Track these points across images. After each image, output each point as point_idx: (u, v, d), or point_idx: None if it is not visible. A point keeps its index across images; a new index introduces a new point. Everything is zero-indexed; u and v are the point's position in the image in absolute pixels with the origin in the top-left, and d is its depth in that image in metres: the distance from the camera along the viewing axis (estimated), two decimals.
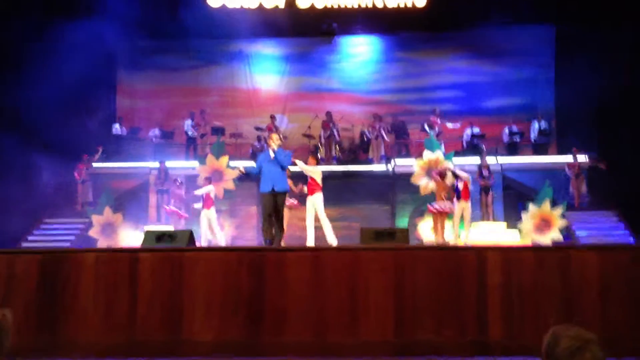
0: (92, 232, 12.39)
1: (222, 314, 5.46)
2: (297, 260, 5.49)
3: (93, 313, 5.60)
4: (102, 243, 12.22)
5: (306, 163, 9.43)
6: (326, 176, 13.72)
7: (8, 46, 12.60)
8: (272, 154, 7.46)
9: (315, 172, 9.48)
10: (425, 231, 12.93)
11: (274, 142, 7.59)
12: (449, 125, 14.52)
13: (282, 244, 7.58)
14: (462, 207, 11.08)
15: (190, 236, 6.23)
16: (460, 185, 11.11)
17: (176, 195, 12.66)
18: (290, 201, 9.79)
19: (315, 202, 9.36)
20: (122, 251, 5.75)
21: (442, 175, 10.97)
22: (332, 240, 9.30)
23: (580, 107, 14.28)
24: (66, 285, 5.74)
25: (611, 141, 13.52)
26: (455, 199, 11.06)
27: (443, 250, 5.20)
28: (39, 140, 12.64)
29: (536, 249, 5.16)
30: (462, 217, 11.20)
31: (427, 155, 13.01)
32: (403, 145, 15.15)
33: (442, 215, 10.84)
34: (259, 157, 7.85)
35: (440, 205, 10.76)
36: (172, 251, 5.74)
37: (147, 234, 6.22)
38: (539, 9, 14.28)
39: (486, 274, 5.00)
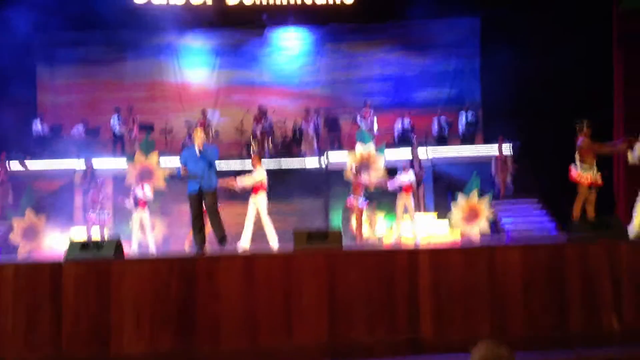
0: (13, 237, 11.80)
1: (153, 325, 5.32)
2: (229, 267, 5.40)
3: (13, 330, 5.33)
4: (23, 248, 11.67)
5: (252, 165, 9.36)
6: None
7: None
8: (197, 151, 7.07)
9: (263, 174, 9.42)
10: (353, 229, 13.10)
11: (199, 137, 7.20)
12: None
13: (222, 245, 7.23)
14: (403, 200, 11.18)
15: (118, 245, 6.01)
16: (404, 179, 11.29)
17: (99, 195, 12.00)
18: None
19: (259, 202, 9.27)
20: (43, 265, 5.49)
21: (358, 172, 11.17)
22: (274, 242, 9.25)
23: (505, 97, 14.77)
24: None
25: (534, 130, 14.05)
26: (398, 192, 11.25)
27: (375, 252, 5.26)
28: None
29: (464, 250, 5.30)
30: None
31: (359, 148, 13.12)
32: (335, 138, 15.23)
33: (358, 211, 11.08)
34: (182, 154, 7.35)
35: (352, 201, 11.03)
36: (98, 262, 5.53)
37: (72, 244, 5.94)
38: (465, 2, 14.61)
39: (417, 275, 5.10)
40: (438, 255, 5.15)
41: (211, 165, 7.08)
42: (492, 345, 2.27)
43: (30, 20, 13.61)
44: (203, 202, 7.10)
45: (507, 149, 13.99)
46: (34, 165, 13.58)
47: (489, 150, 14.37)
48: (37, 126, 14.44)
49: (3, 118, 12.79)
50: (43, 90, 15.92)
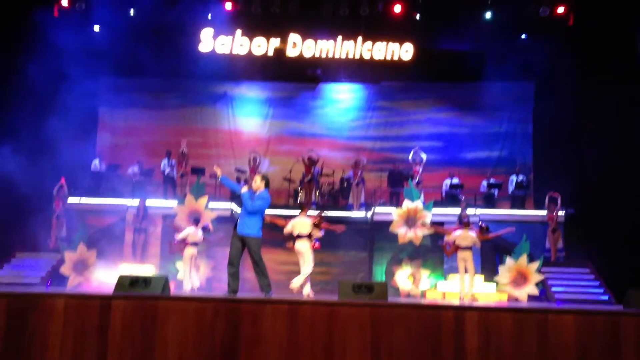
0: (64, 269, 12.13)
1: None
2: (273, 313, 5.38)
3: None
4: (73, 280, 11.96)
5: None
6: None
7: None
8: (244, 190, 7.13)
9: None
10: (402, 280, 12.92)
11: (254, 183, 7.27)
12: None
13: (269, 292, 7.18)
14: (464, 257, 10.76)
15: (165, 284, 6.09)
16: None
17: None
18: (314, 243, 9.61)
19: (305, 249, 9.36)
20: (93, 298, 5.60)
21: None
22: (307, 289, 9.27)
23: (557, 161, 14.55)
24: (34, 334, 5.55)
25: (587, 196, 13.73)
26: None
27: (421, 308, 5.17)
28: (18, 170, 12.50)
29: (514, 310, 5.14)
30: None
31: (407, 204, 13.10)
32: (394, 194, 15.09)
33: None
34: (238, 195, 7.50)
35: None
36: (146, 299, 5.60)
37: (121, 278, 6.07)
38: (519, 67, 14.64)
39: (464, 336, 4.95)
40: (487, 316, 5.01)
41: (260, 211, 7.12)
42: None
43: (96, 65, 14.35)
44: (247, 247, 7.10)
45: (559, 214, 13.66)
46: (89, 201, 14.02)
47: (540, 215, 14.08)
48: (96, 165, 14.98)
49: (65, 155, 13.33)
50: (103, 130, 16.60)
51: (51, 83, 13.59)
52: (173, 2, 14.30)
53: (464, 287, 10.76)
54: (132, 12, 14.81)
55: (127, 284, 6.12)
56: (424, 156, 14.39)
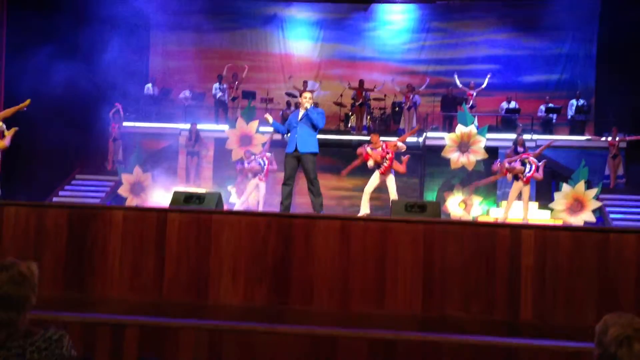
0: (122, 191, 12.51)
1: (249, 279, 5.42)
2: (325, 229, 5.40)
3: (120, 272, 5.61)
4: (130, 202, 12.34)
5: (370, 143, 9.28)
6: (357, 145, 13.55)
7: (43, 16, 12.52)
8: (301, 114, 7.07)
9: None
10: (453, 206, 12.78)
11: (307, 101, 7.16)
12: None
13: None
14: (520, 187, 10.38)
15: (219, 199, 6.18)
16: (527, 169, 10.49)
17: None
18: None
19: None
20: (150, 210, 5.73)
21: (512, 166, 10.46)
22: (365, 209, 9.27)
23: (622, 86, 13.80)
24: (94, 243, 5.75)
25: None
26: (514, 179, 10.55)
27: (476, 226, 5.06)
28: (76, 93, 12.77)
29: (573, 229, 4.99)
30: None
31: (460, 129, 12.77)
32: (447, 119, 14.74)
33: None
34: (289, 118, 7.43)
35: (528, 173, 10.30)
36: (201, 213, 5.70)
37: (176, 194, 6.18)
38: None
39: (520, 253, 4.85)
40: (544, 234, 4.87)
41: (315, 128, 7.05)
42: (633, 318, 2.07)
43: None
44: (301, 164, 7.09)
45: (620, 141, 13.08)
46: (143, 125, 14.26)
47: (600, 142, 13.52)
48: (149, 88, 15.13)
49: (118, 81, 13.50)
50: (155, 55, 16.64)
51: (106, 6, 13.58)
52: None
53: (507, 213, 10.55)
54: None
55: (182, 199, 6.24)
56: (485, 82, 13.89)
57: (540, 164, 10.37)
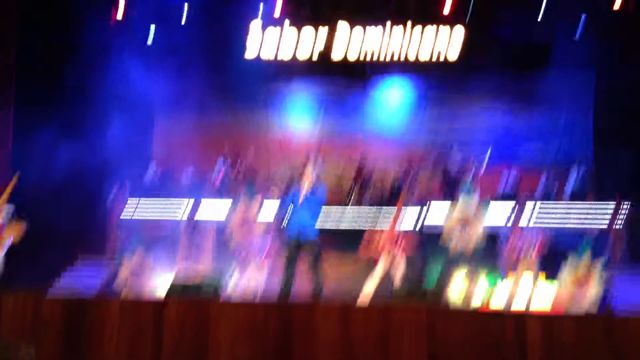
0: (122, 275, 12.37)
1: None
2: (325, 315, 5.31)
3: None
4: (130, 286, 12.19)
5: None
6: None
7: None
8: (302, 193, 7.08)
9: None
10: (458, 282, 12.53)
11: (307, 180, 7.18)
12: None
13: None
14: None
15: (217, 287, 6.12)
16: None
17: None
18: None
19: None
20: (147, 301, 5.69)
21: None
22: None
23: (621, 155, 13.87)
24: (90, 333, 5.70)
25: None
26: None
27: (479, 314, 4.96)
28: (77, 175, 12.92)
29: (579, 317, 4.88)
30: None
31: (461, 203, 12.71)
32: (448, 191, 14.75)
33: None
34: (290, 196, 7.43)
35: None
36: (198, 302, 5.63)
37: (173, 285, 6.13)
38: (579, 57, 14.06)
39: (526, 345, 4.72)
40: (550, 324, 4.74)
41: (316, 206, 7.04)
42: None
43: (150, 73, 14.66)
44: (302, 245, 7.04)
45: (624, 210, 13.00)
46: (145, 207, 14.30)
47: (603, 210, 13.44)
48: (152, 169, 15.27)
49: (122, 161, 13.68)
50: (159, 136, 16.92)
51: (111, 92, 13.97)
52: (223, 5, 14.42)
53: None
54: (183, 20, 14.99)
55: (180, 289, 6.19)
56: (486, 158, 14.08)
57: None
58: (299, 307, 5.34)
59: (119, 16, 14.86)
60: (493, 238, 12.51)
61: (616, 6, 13.99)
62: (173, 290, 6.08)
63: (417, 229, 13.73)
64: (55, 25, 13.37)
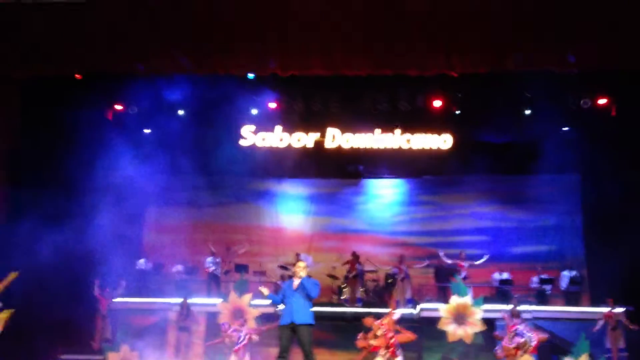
0: None
1: None
2: None
3: None
4: None
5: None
6: (351, 318, 13.24)
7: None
8: (296, 283, 7.06)
9: None
10: None
11: (302, 270, 7.19)
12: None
13: None
14: None
15: None
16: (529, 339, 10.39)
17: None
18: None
19: None
20: None
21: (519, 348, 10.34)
22: None
23: (613, 256, 13.95)
24: None
25: None
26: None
27: None
28: (64, 270, 12.68)
29: None
30: None
31: (455, 300, 12.62)
32: (442, 290, 14.70)
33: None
34: (282, 287, 7.42)
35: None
36: None
37: None
38: (563, 159, 14.48)
39: None
40: None
41: (309, 299, 7.00)
42: None
43: (145, 166, 14.82)
44: (297, 336, 6.92)
45: (619, 312, 12.90)
46: (134, 300, 13.99)
47: (597, 313, 13.33)
48: (141, 264, 15.08)
49: (112, 256, 13.48)
50: (149, 229, 16.83)
51: (102, 184, 14.03)
52: (219, 103, 14.82)
53: None
54: (180, 112, 15.37)
55: None
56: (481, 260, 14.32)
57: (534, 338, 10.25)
58: None
59: (116, 109, 15.19)
60: (488, 335, 12.32)
61: (598, 112, 14.56)
62: None
63: (413, 318, 13.54)
64: (53, 118, 13.58)
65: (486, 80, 13.57)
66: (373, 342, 9.05)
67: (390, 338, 9.05)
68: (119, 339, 12.22)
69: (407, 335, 9.36)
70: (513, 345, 10.12)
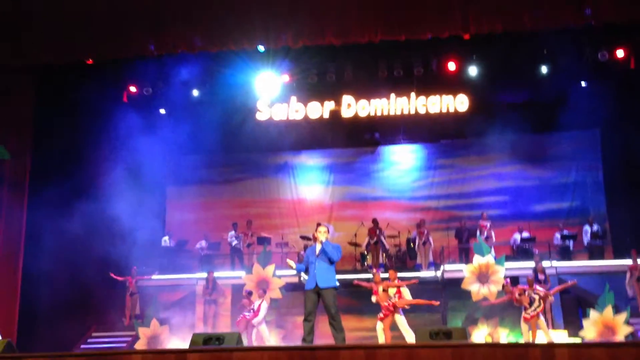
0: (139, 345, 12.22)
1: None
2: (350, 358, 5.22)
3: None
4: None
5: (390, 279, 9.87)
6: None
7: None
8: (318, 248, 7.18)
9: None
10: (480, 340, 12.28)
11: (322, 235, 7.29)
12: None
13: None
14: (526, 328, 10.60)
15: (239, 339, 6.05)
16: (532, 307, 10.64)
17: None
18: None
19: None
20: (169, 352, 5.60)
21: (521, 296, 10.61)
22: None
23: (635, 208, 13.85)
24: None
25: None
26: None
27: (505, 348, 4.86)
28: (94, 250, 13.00)
29: (609, 345, 4.78)
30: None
31: (477, 260, 12.66)
32: (463, 251, 14.74)
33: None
34: (306, 253, 7.54)
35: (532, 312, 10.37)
36: (221, 351, 5.56)
37: (195, 336, 6.07)
38: (583, 114, 14.28)
39: None
40: (579, 352, 4.65)
41: (332, 262, 7.11)
42: None
43: (163, 146, 15.00)
44: (321, 300, 7.05)
45: None
46: (160, 278, 14.30)
47: (620, 265, 13.30)
48: (166, 241, 15.36)
49: (136, 235, 13.75)
50: (172, 208, 17.09)
51: (122, 166, 14.26)
52: (232, 79, 14.87)
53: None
54: (195, 92, 15.47)
55: (201, 341, 6.12)
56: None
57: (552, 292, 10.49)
58: (323, 350, 5.24)
59: (130, 92, 15.31)
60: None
61: (617, 64, 14.28)
62: (195, 342, 5.99)
63: (437, 280, 13.64)
64: (69, 105, 13.76)
65: (502, 40, 13.36)
66: (380, 291, 9.45)
67: (390, 306, 9.46)
68: (149, 315, 12.49)
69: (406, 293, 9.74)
70: (516, 296, 10.44)
